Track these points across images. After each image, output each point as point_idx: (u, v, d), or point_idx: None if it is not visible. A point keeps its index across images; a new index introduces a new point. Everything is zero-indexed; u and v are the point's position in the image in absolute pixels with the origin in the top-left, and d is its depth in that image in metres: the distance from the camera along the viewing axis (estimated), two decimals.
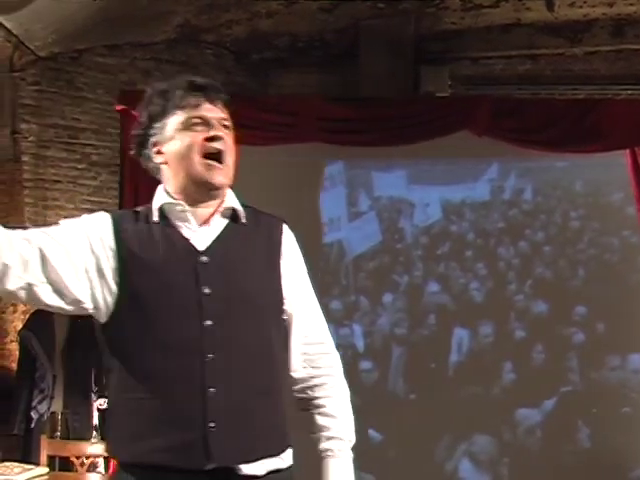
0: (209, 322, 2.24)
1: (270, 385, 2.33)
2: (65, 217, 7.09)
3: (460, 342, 6.68)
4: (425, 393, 6.39)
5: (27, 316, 6.52)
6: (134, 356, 2.26)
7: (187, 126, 2.35)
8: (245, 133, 7.00)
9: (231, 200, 2.42)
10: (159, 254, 2.29)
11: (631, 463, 6.39)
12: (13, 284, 2.17)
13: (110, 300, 2.30)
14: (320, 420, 2.44)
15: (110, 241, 2.31)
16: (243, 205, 2.44)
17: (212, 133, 2.35)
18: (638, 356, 6.62)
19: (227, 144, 2.39)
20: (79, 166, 7.05)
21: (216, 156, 2.34)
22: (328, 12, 6.99)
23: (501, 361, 6.62)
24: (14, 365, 6.41)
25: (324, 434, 2.43)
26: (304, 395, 2.46)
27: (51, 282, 2.22)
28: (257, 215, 2.46)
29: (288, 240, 2.46)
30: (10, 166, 6.74)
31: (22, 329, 6.33)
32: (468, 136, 6.35)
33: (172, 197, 2.37)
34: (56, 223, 2.37)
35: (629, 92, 7.13)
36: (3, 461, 5.29)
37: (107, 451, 2.40)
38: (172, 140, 2.37)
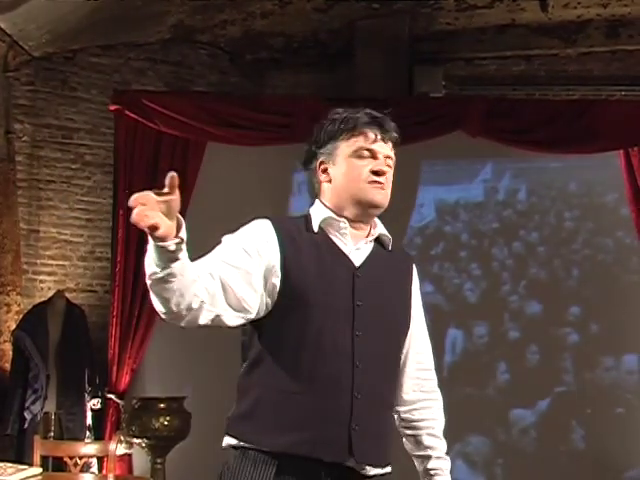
0: (359, 332, 2.42)
1: (393, 400, 2.58)
2: (59, 217, 7.05)
3: (454, 342, 6.68)
4: None
5: (21, 316, 6.52)
6: (289, 352, 2.41)
7: (357, 155, 2.50)
8: (239, 133, 7.02)
9: (382, 229, 2.59)
10: (321, 260, 2.46)
11: (625, 463, 6.40)
12: (205, 318, 2.36)
13: (270, 299, 2.43)
14: (428, 441, 2.65)
15: (274, 243, 2.44)
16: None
17: (378, 167, 2.48)
18: (632, 357, 6.63)
19: (388, 180, 2.51)
20: (73, 166, 7.05)
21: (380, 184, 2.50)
22: (323, 12, 7.00)
23: (495, 361, 6.62)
24: (7, 365, 6.40)
25: (433, 454, 2.64)
26: (411, 416, 2.65)
27: (234, 307, 2.37)
28: (394, 246, 2.64)
29: (415, 273, 2.68)
30: (4, 166, 6.74)
31: (16, 329, 6.33)
32: (462, 137, 6.35)
33: (334, 212, 2.52)
34: (219, 242, 2.45)
35: (623, 93, 7.14)
36: None
37: (241, 437, 2.44)
38: (340, 163, 2.52)
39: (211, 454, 6.53)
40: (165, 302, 2.26)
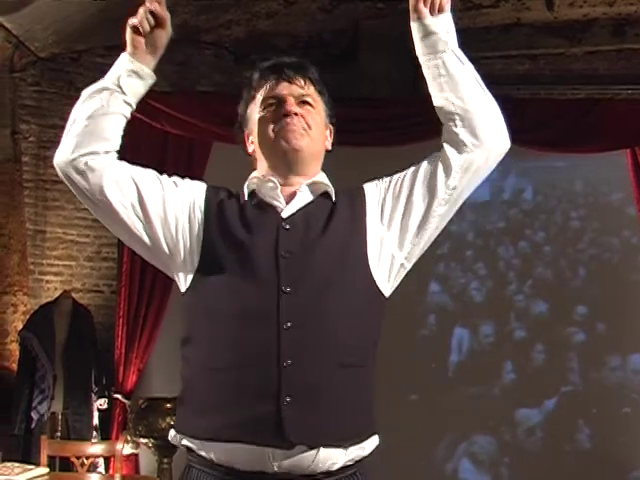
0: (287, 289, 2.14)
1: (355, 361, 2.18)
2: (65, 218, 7.05)
3: (460, 342, 6.67)
4: (425, 393, 6.40)
5: (28, 317, 6.54)
6: (211, 325, 2.17)
7: (263, 108, 2.35)
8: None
9: (322, 177, 2.35)
10: (243, 223, 2.24)
11: (631, 463, 6.39)
12: (98, 191, 2.38)
13: (190, 264, 2.25)
14: None
15: (201, 204, 2.30)
16: (336, 190, 2.36)
17: (284, 110, 2.29)
18: (638, 356, 6.62)
19: (307, 121, 2.29)
20: None
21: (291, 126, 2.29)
22: (327, 12, 7.00)
23: (501, 361, 6.61)
24: (14, 365, 6.42)
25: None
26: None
27: (133, 207, 2.32)
28: (345, 193, 2.36)
29: (371, 194, 2.35)
30: (10, 167, 6.75)
31: (22, 329, 6.34)
32: None
33: (262, 176, 2.34)
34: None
35: (629, 92, 7.13)
36: (4, 461, 5.30)
37: (176, 428, 2.27)
38: (255, 125, 2.38)
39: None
40: (77, 128, 2.34)
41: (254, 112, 2.39)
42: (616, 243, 6.77)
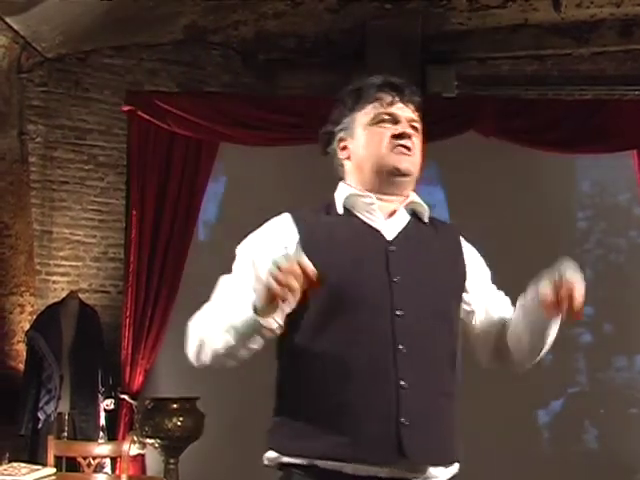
0: (400, 311, 2.17)
1: (453, 389, 2.27)
2: (72, 218, 7.04)
3: None
4: None
5: (34, 317, 6.54)
6: (322, 344, 2.16)
7: (376, 122, 2.31)
8: (252, 134, 7.03)
9: (418, 198, 2.37)
10: (347, 244, 2.24)
11: (638, 464, 6.37)
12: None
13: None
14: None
15: (293, 236, 2.25)
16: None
17: (400, 130, 2.29)
18: None
19: (414, 144, 2.32)
20: (86, 167, 7.07)
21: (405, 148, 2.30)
22: (335, 13, 7.00)
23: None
24: (21, 366, 6.42)
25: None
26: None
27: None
28: (434, 218, 2.41)
29: (465, 244, 2.43)
30: (17, 167, 6.76)
31: (29, 330, 6.35)
32: (475, 137, 6.34)
33: (358, 190, 2.32)
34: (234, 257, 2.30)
35: (636, 92, 7.12)
36: (10, 461, 5.31)
37: (278, 448, 2.21)
38: (359, 135, 2.34)
39: (224, 454, 6.55)
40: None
41: (361, 122, 2.34)
42: (623, 244, 6.76)
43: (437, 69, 7.07)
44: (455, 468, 2.25)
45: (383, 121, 2.30)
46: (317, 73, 7.34)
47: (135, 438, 5.85)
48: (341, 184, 2.38)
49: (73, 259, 7.01)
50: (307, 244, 2.20)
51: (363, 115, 2.33)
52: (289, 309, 2.06)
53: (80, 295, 6.58)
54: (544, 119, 6.43)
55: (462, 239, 2.42)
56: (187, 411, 5.84)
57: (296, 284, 1.94)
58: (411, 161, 2.30)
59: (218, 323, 2.16)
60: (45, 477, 4.48)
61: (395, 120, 2.30)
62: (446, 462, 2.20)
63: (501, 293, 2.46)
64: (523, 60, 7.37)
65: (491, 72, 7.37)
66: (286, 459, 2.18)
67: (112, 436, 6.28)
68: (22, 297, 6.71)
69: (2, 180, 6.61)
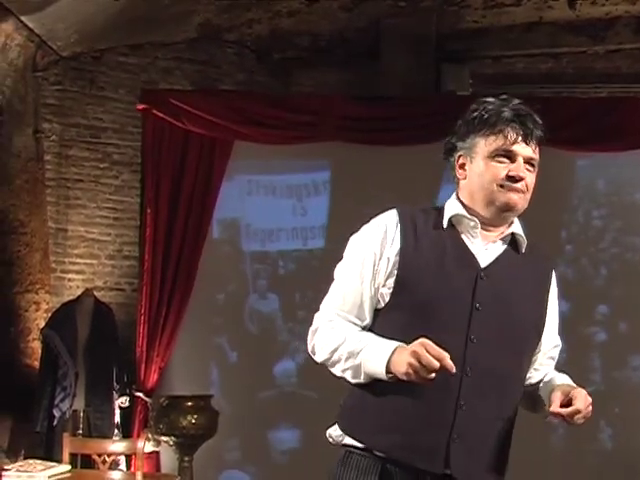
0: (474, 338, 2.29)
1: (511, 414, 2.42)
2: (87, 216, 7.06)
3: None
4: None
5: (50, 314, 6.56)
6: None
7: (494, 156, 2.36)
8: (266, 132, 7.03)
9: (517, 229, 2.45)
10: (442, 258, 2.35)
11: None
12: None
13: (387, 292, 2.36)
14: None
15: (395, 236, 2.38)
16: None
17: (514, 173, 2.34)
18: None
19: (527, 185, 2.37)
20: (101, 165, 7.09)
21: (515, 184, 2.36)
22: (349, 11, 6.99)
23: None
24: (37, 363, 6.45)
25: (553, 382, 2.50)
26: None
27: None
28: (533, 248, 2.48)
29: (555, 281, 2.52)
30: (33, 165, 6.78)
31: (45, 327, 6.37)
32: None
33: (466, 210, 2.41)
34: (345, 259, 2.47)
35: None
36: (26, 458, 5.34)
37: (345, 431, 2.41)
38: (477, 162, 2.39)
39: (237, 452, 6.56)
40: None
41: (481, 148, 2.39)
42: (638, 242, 6.72)
43: (452, 67, 7.06)
44: None
45: (501, 156, 2.36)
46: (331, 71, 7.34)
47: (150, 435, 5.86)
48: (453, 197, 2.47)
49: (88, 257, 7.03)
50: (404, 255, 2.34)
51: (485, 145, 2.38)
52: None
53: (95, 293, 6.60)
54: (559, 117, 6.39)
55: (554, 277, 2.52)
56: (201, 409, 5.85)
57: (432, 376, 2.13)
58: (520, 198, 2.36)
59: (352, 364, 2.34)
60: (60, 474, 4.50)
61: (512, 158, 2.36)
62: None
63: (555, 346, 2.61)
64: (538, 58, 7.35)
65: (506, 70, 7.36)
66: (349, 440, 2.38)
67: (127, 433, 6.29)
68: (37, 295, 6.73)
69: (17, 178, 6.63)
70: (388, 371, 2.22)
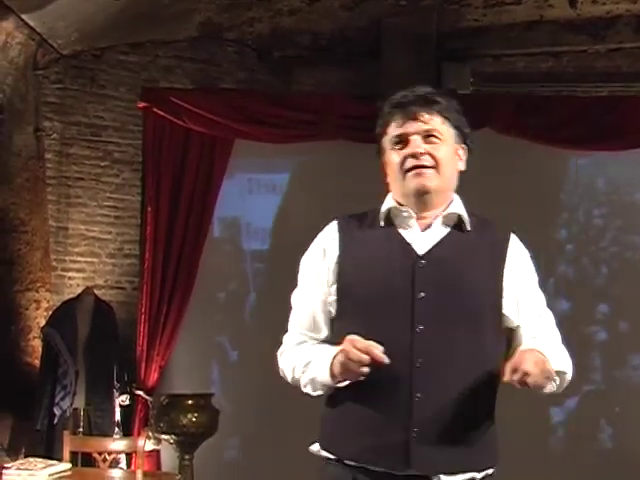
0: (420, 327, 2.26)
1: (481, 397, 2.33)
2: (87, 214, 7.06)
3: None
4: None
5: (50, 313, 6.57)
6: None
7: (392, 145, 2.41)
8: (267, 131, 7.03)
9: (456, 207, 2.43)
10: (378, 256, 2.35)
11: None
12: None
13: (333, 299, 2.39)
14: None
15: (335, 247, 2.41)
16: (469, 213, 2.46)
17: (409, 151, 2.36)
18: None
19: (435, 155, 2.36)
20: (102, 163, 7.08)
21: (417, 168, 2.36)
22: (350, 10, 6.99)
23: None
24: (37, 362, 6.45)
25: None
26: None
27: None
28: (483, 224, 2.46)
29: (515, 250, 2.46)
30: (33, 164, 6.78)
31: (45, 326, 6.37)
32: (490, 134, 6.32)
33: (399, 203, 2.41)
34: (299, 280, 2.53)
35: None
36: (26, 456, 5.34)
37: (319, 442, 2.43)
38: (387, 157, 2.43)
39: (238, 450, 6.57)
40: None
41: (385, 142, 2.44)
42: (638, 241, 6.73)
43: (452, 66, 7.06)
44: (476, 475, 2.32)
45: (397, 144, 2.39)
46: (332, 70, 7.34)
47: (150, 434, 5.86)
48: (388, 195, 2.47)
49: (89, 255, 7.03)
50: (343, 261, 2.38)
51: (386, 139, 2.44)
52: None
53: (96, 291, 6.60)
54: (559, 116, 6.41)
55: (512, 245, 2.46)
56: (202, 407, 5.86)
57: (365, 370, 2.15)
58: (428, 176, 2.35)
59: (307, 377, 2.37)
60: (61, 472, 4.50)
61: (406, 141, 2.37)
62: (457, 471, 2.27)
63: (538, 315, 2.50)
64: (538, 57, 7.34)
65: (506, 69, 7.35)
66: (324, 453, 2.39)
67: (127, 432, 6.30)
68: (38, 293, 6.73)
69: (18, 177, 6.63)
70: (332, 376, 2.26)
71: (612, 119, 6.32)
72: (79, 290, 6.62)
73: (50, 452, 5.76)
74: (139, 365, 6.35)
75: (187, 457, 5.90)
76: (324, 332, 2.43)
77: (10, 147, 6.56)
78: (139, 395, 6.33)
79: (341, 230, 2.43)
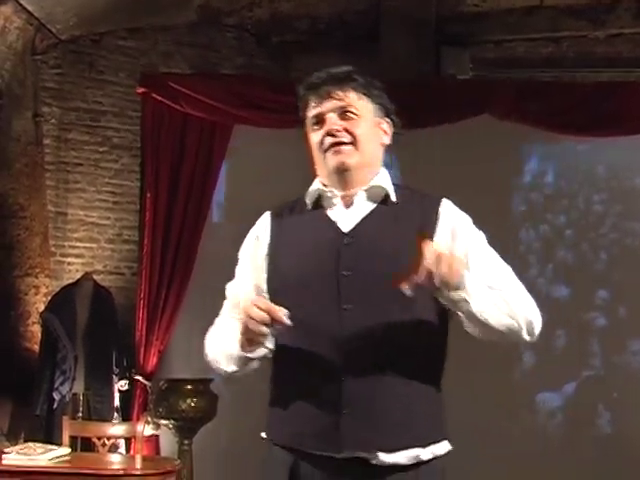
0: (347, 306, 2.22)
1: (417, 372, 2.26)
2: (86, 200, 7.06)
3: None
4: (444, 377, 6.37)
5: (49, 298, 6.57)
6: (282, 338, 2.27)
7: (311, 126, 2.42)
8: (266, 116, 7.00)
9: (379, 180, 2.39)
10: (306, 238, 2.34)
11: None
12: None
13: (264, 283, 2.40)
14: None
15: (267, 237, 2.43)
16: (399, 186, 2.42)
17: (326, 130, 2.36)
18: None
19: (353, 132, 2.35)
20: (100, 149, 7.08)
21: (335, 145, 2.35)
22: None
23: (522, 345, 6.58)
24: (36, 347, 6.46)
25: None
26: None
27: None
28: (413, 195, 2.41)
29: (447, 216, 2.35)
30: (32, 149, 6.77)
31: (44, 311, 6.38)
32: (489, 119, 6.31)
33: (323, 184, 2.40)
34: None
35: None
36: (26, 441, 5.35)
37: (265, 428, 2.44)
38: (309, 138, 2.45)
39: (237, 435, 6.57)
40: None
41: (308, 129, 2.45)
42: (638, 228, 6.73)
43: (452, 51, 7.05)
44: (433, 452, 2.28)
45: (315, 124, 2.40)
46: (331, 55, 7.31)
47: (149, 419, 5.87)
48: (316, 179, 2.45)
49: (88, 241, 7.03)
50: (274, 247, 2.39)
51: (307, 123, 2.45)
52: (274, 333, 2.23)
53: (95, 277, 6.60)
54: (559, 102, 6.39)
55: (444, 211, 2.36)
56: (201, 392, 5.86)
57: (264, 329, 2.16)
58: (346, 153, 2.33)
59: (223, 352, 2.40)
60: (60, 457, 4.51)
61: (324, 120, 2.38)
62: (396, 448, 2.21)
63: (489, 287, 2.29)
64: (538, 42, 7.34)
65: (506, 54, 7.34)
66: (266, 437, 2.42)
67: (126, 417, 6.31)
68: (37, 278, 6.73)
69: (17, 162, 6.62)
70: (239, 343, 2.25)
71: (612, 105, 6.30)
72: (78, 275, 6.63)
73: (49, 437, 5.77)
74: (138, 350, 6.35)
75: (186, 442, 5.91)
76: None
77: (9, 132, 6.56)
78: (138, 380, 6.33)
79: (273, 219, 2.44)
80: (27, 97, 6.76)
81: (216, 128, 6.50)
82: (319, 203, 2.40)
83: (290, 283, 2.30)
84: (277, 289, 2.34)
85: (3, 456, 4.40)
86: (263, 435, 2.42)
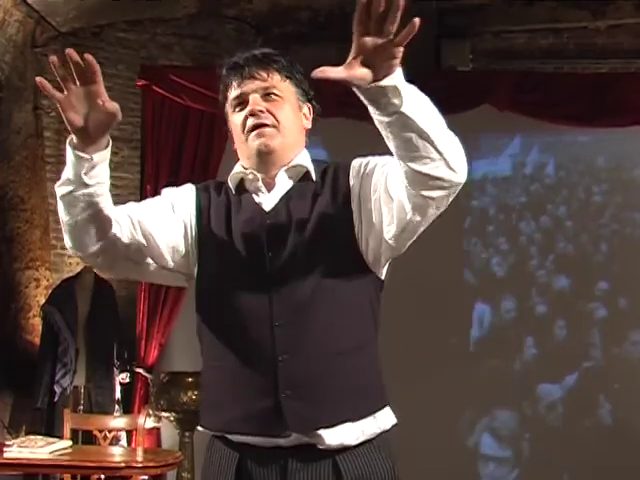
0: (276, 287, 2.19)
1: (353, 342, 2.21)
2: None
3: (482, 317, 6.67)
4: (446, 368, 6.39)
5: (50, 291, 6.57)
6: (211, 325, 2.28)
7: (232, 109, 2.37)
8: None
9: (300, 160, 2.35)
10: (232, 222, 2.30)
11: None
12: (122, 267, 2.33)
13: (194, 270, 2.34)
14: None
15: (192, 210, 2.36)
16: (320, 162, 2.39)
17: (248, 111, 2.30)
18: None
19: (274, 113, 2.30)
20: None
21: (258, 127, 2.30)
22: None
23: (523, 336, 6.61)
24: (37, 340, 6.46)
25: None
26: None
27: (155, 258, 2.30)
28: (333, 168, 2.36)
29: (356, 170, 2.30)
30: (32, 142, 6.77)
31: (45, 304, 6.38)
32: (490, 111, 6.31)
33: (244, 167, 2.37)
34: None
35: None
36: (27, 434, 5.36)
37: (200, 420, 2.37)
38: (230, 123, 2.41)
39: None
40: (74, 229, 2.23)
41: (228, 110, 2.40)
42: (638, 218, 6.74)
43: (452, 42, 7.03)
44: (377, 418, 2.23)
45: (237, 105, 2.35)
46: (331, 46, 7.28)
47: (150, 411, 5.88)
48: (237, 164, 2.41)
49: None
50: (200, 231, 2.32)
51: (228, 105, 2.40)
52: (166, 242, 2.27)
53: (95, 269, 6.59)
54: (560, 93, 6.39)
55: (352, 169, 2.31)
56: None
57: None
58: (270, 135, 2.29)
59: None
60: (61, 449, 4.52)
61: (246, 101, 2.32)
62: (336, 423, 2.16)
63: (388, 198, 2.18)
64: (539, 33, 7.32)
65: (506, 45, 7.32)
66: (202, 429, 2.34)
67: (127, 409, 6.32)
68: (38, 271, 6.74)
69: (17, 154, 6.62)
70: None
71: (612, 96, 6.30)
72: (79, 268, 6.62)
73: (51, 430, 5.78)
74: (139, 343, 6.37)
75: (187, 434, 5.92)
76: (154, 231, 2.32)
77: (9, 125, 6.55)
78: (139, 373, 6.35)
79: (198, 197, 2.39)
80: (27, 90, 6.75)
81: (216, 120, 6.49)
82: (243, 187, 2.37)
83: (218, 269, 2.27)
84: (206, 275, 2.30)
85: (4, 449, 4.41)
86: (199, 429, 2.36)
